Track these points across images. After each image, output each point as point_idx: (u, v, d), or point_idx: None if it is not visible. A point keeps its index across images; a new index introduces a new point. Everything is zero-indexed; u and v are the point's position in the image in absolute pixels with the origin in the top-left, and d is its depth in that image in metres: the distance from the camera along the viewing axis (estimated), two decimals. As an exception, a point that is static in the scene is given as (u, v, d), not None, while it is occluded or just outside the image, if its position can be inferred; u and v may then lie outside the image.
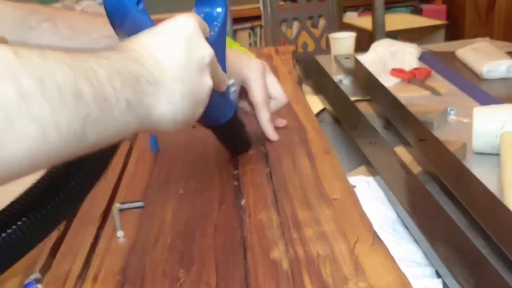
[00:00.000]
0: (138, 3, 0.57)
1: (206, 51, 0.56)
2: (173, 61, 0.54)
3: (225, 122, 0.65)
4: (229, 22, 1.96)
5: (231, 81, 0.66)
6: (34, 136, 0.40)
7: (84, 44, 0.77)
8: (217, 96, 0.62)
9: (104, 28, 0.77)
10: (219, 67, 0.60)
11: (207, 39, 0.57)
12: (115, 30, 0.58)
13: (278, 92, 0.82)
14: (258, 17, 2.05)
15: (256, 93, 0.77)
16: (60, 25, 0.78)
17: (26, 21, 0.77)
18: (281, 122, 0.84)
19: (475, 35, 1.93)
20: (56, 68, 0.42)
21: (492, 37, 1.82)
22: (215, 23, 0.65)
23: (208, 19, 0.65)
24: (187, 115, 0.54)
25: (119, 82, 0.47)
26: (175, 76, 0.53)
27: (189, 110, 0.54)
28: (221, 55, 0.63)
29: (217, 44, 0.61)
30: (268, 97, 0.80)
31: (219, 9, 0.66)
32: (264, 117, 0.78)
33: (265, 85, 0.79)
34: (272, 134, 0.79)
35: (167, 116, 0.52)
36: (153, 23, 0.58)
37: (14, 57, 0.40)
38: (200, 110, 0.56)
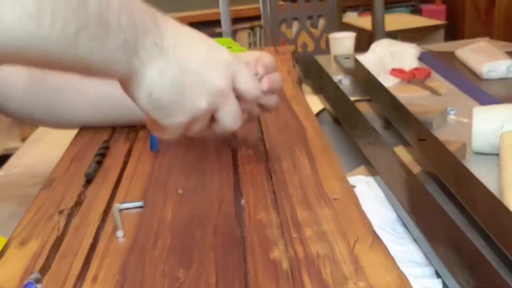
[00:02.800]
0: None
1: (229, 57, 0.58)
2: (190, 53, 0.56)
3: None
4: (228, 22, 1.96)
5: None
6: (29, 10, 0.42)
7: None
8: None
9: None
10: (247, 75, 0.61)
11: None
12: None
13: None
14: (257, 17, 2.05)
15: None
16: None
17: None
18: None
19: (474, 35, 1.93)
20: None
21: (492, 37, 1.82)
22: None
23: None
24: (163, 101, 0.54)
25: (126, 20, 0.49)
26: (181, 63, 0.54)
27: (167, 100, 0.54)
28: None
29: None
30: None
31: None
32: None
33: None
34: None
35: (148, 82, 0.53)
36: None
37: None
38: (175, 119, 0.56)
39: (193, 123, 0.58)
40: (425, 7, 3.02)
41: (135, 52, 0.51)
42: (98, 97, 0.81)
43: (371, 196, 0.70)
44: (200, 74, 0.56)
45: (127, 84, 0.54)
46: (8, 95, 0.81)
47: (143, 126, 0.80)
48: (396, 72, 1.26)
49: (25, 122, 1.00)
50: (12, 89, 0.80)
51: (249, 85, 0.61)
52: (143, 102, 0.54)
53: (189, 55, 0.55)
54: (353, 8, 2.99)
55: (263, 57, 0.69)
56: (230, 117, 0.60)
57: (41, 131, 1.13)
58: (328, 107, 1.04)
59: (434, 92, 1.17)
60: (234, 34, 2.46)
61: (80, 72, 0.51)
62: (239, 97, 0.61)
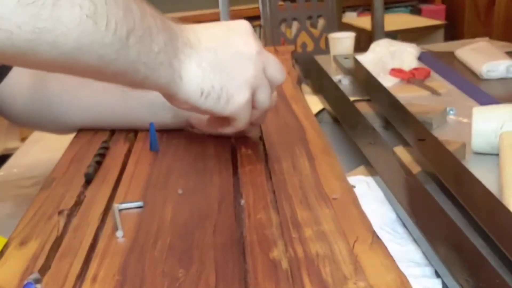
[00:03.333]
0: None
1: (252, 45, 0.59)
2: (210, 37, 0.57)
3: None
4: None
5: None
6: (87, 12, 0.44)
7: None
8: None
9: None
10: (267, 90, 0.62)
11: None
12: None
13: None
14: (257, 17, 2.05)
15: None
16: None
17: None
18: None
19: (474, 35, 1.93)
20: None
21: (491, 37, 1.82)
22: None
23: None
24: (216, 89, 0.56)
25: (160, 23, 0.52)
26: (209, 47, 0.56)
27: (219, 85, 0.56)
28: None
29: None
30: None
31: None
32: None
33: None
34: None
35: (194, 79, 0.54)
36: None
37: None
38: (237, 98, 0.57)
39: (257, 95, 0.60)
40: (424, 7, 3.02)
41: (174, 54, 0.53)
42: (95, 104, 0.81)
43: (371, 196, 0.70)
44: (230, 46, 0.58)
45: (175, 95, 0.56)
46: (11, 100, 0.81)
47: (142, 126, 0.80)
48: (395, 72, 1.26)
49: (24, 127, 1.01)
50: (16, 95, 0.81)
51: (277, 67, 0.63)
52: (202, 103, 0.56)
53: (212, 39, 0.57)
54: (353, 8, 2.99)
55: (269, 65, 0.63)
56: (278, 66, 0.62)
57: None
58: (328, 107, 1.04)
59: (434, 92, 1.17)
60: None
61: (127, 80, 0.52)
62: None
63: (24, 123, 0.88)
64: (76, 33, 0.44)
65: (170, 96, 0.57)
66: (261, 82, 0.60)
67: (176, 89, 0.55)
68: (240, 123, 0.61)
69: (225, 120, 0.63)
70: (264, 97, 0.61)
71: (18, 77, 0.80)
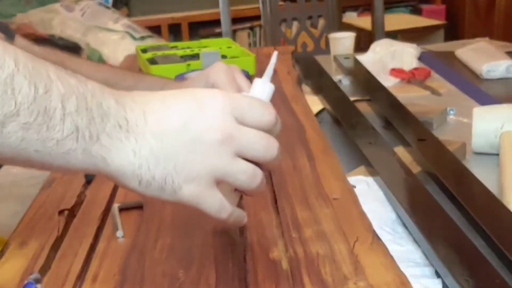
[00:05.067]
0: None
1: (216, 131, 0.48)
2: (163, 118, 0.47)
3: None
4: (228, 22, 1.95)
5: None
6: None
7: None
8: None
9: (107, 73, 0.79)
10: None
11: None
12: None
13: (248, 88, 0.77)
14: (257, 17, 2.05)
15: (223, 87, 0.65)
16: (68, 64, 0.80)
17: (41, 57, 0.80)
18: None
19: (474, 35, 1.93)
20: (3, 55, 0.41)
21: (491, 37, 1.82)
22: None
23: None
24: (158, 180, 0.47)
25: (74, 105, 0.44)
26: (156, 132, 0.47)
27: (160, 176, 0.46)
28: None
29: None
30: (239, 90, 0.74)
31: None
32: None
33: (232, 80, 0.74)
34: None
35: (127, 166, 0.46)
36: None
37: None
38: (186, 190, 0.47)
39: (231, 182, 0.49)
40: (425, 7, 3.02)
41: (95, 140, 0.45)
42: None
43: (371, 196, 0.70)
44: (187, 131, 0.47)
45: (111, 178, 0.47)
46: None
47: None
48: (395, 72, 1.26)
49: None
50: None
51: (258, 114, 0.50)
52: (142, 191, 0.47)
53: (165, 122, 0.47)
54: (353, 8, 2.99)
55: (246, 135, 0.50)
56: (258, 147, 0.49)
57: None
58: (328, 107, 1.04)
59: (434, 92, 1.17)
60: (234, 34, 2.46)
61: (28, 165, 0.45)
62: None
63: None
64: None
65: (116, 182, 0.48)
66: (229, 168, 0.48)
67: (107, 174, 0.47)
68: (211, 210, 0.49)
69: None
70: (242, 181, 0.49)
71: None
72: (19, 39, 0.80)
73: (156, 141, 0.46)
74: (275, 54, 0.52)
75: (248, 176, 0.49)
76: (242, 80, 0.75)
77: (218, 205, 0.49)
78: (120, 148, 0.46)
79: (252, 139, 0.49)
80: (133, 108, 0.47)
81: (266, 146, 0.50)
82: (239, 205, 0.61)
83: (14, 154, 0.43)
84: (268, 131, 0.50)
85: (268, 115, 0.50)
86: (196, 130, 0.47)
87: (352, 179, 0.72)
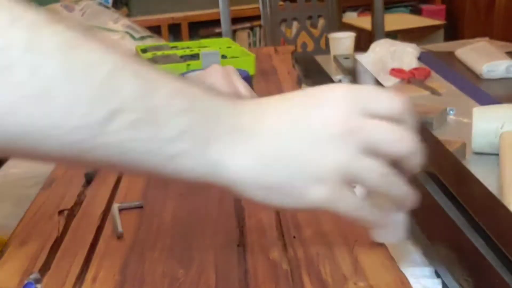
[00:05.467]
0: None
1: (339, 119, 0.44)
2: (278, 114, 0.44)
3: None
4: (228, 22, 1.95)
5: None
6: (29, 89, 0.35)
7: None
8: None
9: None
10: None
11: None
12: None
13: (248, 91, 0.75)
14: (257, 17, 2.05)
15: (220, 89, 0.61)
16: None
17: None
18: None
19: (474, 35, 1.93)
20: (106, 55, 0.39)
21: (491, 37, 1.82)
22: None
23: None
24: (282, 184, 0.43)
25: (182, 104, 0.41)
26: (274, 130, 0.43)
27: (285, 179, 0.43)
28: None
29: None
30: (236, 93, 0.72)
31: None
32: None
33: (228, 82, 0.72)
34: None
35: (247, 173, 0.42)
36: None
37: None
38: (313, 193, 0.43)
39: (361, 181, 0.45)
40: (424, 7, 3.02)
41: (207, 142, 0.41)
42: None
43: (371, 196, 0.70)
44: (305, 126, 0.44)
45: (232, 188, 0.43)
46: None
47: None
48: (395, 72, 1.26)
49: None
50: None
51: (387, 102, 0.46)
52: (262, 198, 0.44)
53: (280, 118, 0.44)
54: (353, 8, 2.99)
55: (378, 131, 0.45)
56: (389, 140, 0.45)
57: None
58: (328, 107, 1.04)
59: (434, 92, 1.17)
60: (234, 34, 2.46)
61: (133, 170, 0.44)
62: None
63: None
64: (20, 115, 0.35)
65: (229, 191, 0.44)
66: (354, 165, 0.44)
67: (223, 182, 0.43)
68: (348, 209, 0.45)
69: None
70: (372, 181, 0.45)
71: None
72: None
73: (276, 142, 0.43)
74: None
75: (378, 174, 0.44)
76: (238, 81, 0.76)
77: (353, 203, 0.45)
78: (237, 152, 0.42)
79: (380, 131, 0.44)
80: (245, 110, 0.44)
81: (399, 139, 0.45)
82: (239, 205, 0.61)
83: (121, 157, 0.40)
84: (401, 121, 0.46)
85: (398, 102, 0.45)
86: (316, 125, 0.44)
87: (352, 179, 0.72)
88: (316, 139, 0.43)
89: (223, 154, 0.42)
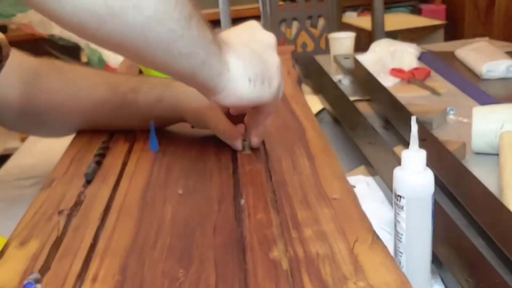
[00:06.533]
0: None
1: (269, 35, 0.67)
2: (236, 36, 0.64)
3: None
4: (228, 22, 1.95)
5: None
6: None
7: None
8: None
9: (108, 76, 0.82)
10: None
11: None
12: None
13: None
14: (257, 17, 2.04)
15: None
16: (66, 71, 0.82)
17: (38, 69, 0.81)
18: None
19: (474, 35, 1.93)
20: None
21: (491, 37, 1.82)
22: None
23: None
24: (259, 75, 0.61)
25: (199, 22, 0.55)
26: (241, 43, 0.62)
27: (260, 71, 0.61)
28: None
29: None
30: None
31: None
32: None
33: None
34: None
35: (240, 69, 0.59)
36: None
37: None
38: (273, 84, 0.64)
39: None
40: (424, 7, 3.02)
41: (220, 47, 0.58)
42: (82, 121, 0.82)
43: (371, 196, 0.70)
44: (256, 40, 0.65)
45: (224, 89, 0.60)
46: (2, 112, 0.80)
47: (142, 126, 0.80)
48: (395, 72, 1.26)
49: (23, 133, 1.02)
50: (5, 107, 0.80)
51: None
52: (251, 91, 0.61)
53: (239, 37, 0.64)
54: (353, 8, 2.99)
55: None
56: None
57: (40, 131, 1.13)
58: (328, 107, 1.04)
59: (434, 92, 1.17)
60: (233, 34, 2.46)
61: (188, 64, 0.56)
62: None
63: (19, 131, 0.90)
64: (154, 1, 0.50)
65: (218, 92, 0.60)
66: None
67: (226, 81, 0.59)
68: (274, 107, 0.69)
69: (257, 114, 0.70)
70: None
71: (6, 87, 0.79)
72: (14, 53, 0.79)
73: (245, 48, 0.62)
74: (413, 120, 0.56)
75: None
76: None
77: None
78: (230, 56, 0.59)
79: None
80: (219, 36, 0.61)
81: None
82: (238, 205, 0.61)
83: (192, 48, 0.55)
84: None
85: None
86: (261, 38, 0.66)
87: (352, 179, 0.72)
88: (267, 47, 0.65)
89: (226, 57, 0.59)
